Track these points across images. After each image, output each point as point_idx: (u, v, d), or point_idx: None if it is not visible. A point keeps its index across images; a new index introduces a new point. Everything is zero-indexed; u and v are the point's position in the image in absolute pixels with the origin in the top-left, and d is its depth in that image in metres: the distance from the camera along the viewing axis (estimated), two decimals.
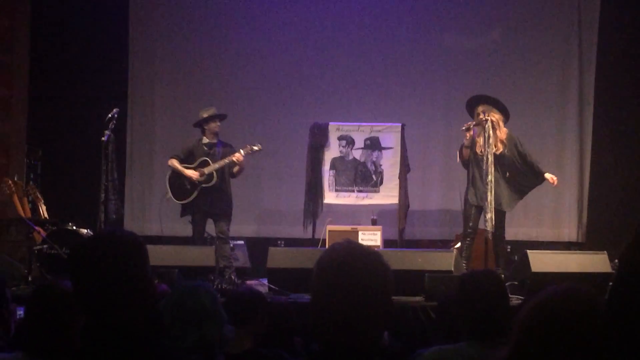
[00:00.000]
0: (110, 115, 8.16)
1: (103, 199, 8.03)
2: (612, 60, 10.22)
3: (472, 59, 10.62)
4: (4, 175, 9.34)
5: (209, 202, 8.70)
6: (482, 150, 8.15)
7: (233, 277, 8.42)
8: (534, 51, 10.48)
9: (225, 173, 8.77)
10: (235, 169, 8.77)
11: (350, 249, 2.05)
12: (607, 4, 10.25)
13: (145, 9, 11.14)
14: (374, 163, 9.63)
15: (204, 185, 8.66)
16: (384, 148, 9.54)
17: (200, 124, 8.86)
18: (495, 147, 8.17)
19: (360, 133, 9.71)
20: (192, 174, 8.68)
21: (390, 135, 9.45)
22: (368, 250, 2.06)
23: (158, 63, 11.11)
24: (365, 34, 10.80)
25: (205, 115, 8.81)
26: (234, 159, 8.60)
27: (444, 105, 10.66)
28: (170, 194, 8.87)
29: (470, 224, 8.28)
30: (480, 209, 8.24)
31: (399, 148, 9.38)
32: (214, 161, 8.67)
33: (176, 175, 8.82)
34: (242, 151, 8.65)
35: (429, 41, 10.72)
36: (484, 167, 8.12)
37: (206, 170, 8.66)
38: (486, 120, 8.11)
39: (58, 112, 10.85)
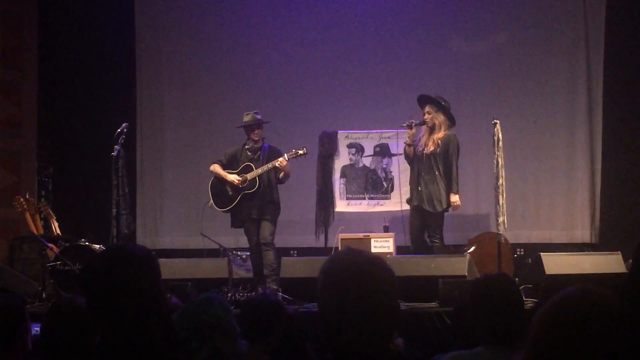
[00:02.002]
0: (119, 130, 8.18)
1: (115, 214, 8.04)
2: (620, 59, 10.18)
3: (479, 62, 10.60)
4: (15, 193, 9.37)
5: (256, 208, 8.47)
6: (421, 150, 8.21)
7: (274, 286, 8.11)
8: (542, 53, 10.46)
9: (271, 179, 8.53)
10: (281, 174, 8.49)
11: (352, 256, 2.05)
12: (613, 3, 10.23)
13: (152, 22, 11.17)
14: (384, 170, 9.62)
15: (246, 191, 8.45)
16: (394, 154, 9.53)
17: (244, 129, 8.70)
18: (427, 146, 8.20)
19: (369, 140, 9.71)
20: (233, 178, 8.49)
21: (399, 142, 9.44)
22: (370, 256, 2.07)
23: (166, 76, 11.14)
24: (371, 40, 10.79)
25: (244, 119, 8.67)
26: (277, 164, 8.37)
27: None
28: (212, 201, 8.67)
29: (411, 227, 8.31)
30: (420, 209, 8.25)
31: None
32: (257, 166, 8.47)
33: (218, 182, 8.64)
34: (286, 155, 8.41)
35: (436, 46, 10.70)
36: (495, 171, 8.10)
37: (249, 175, 8.46)
38: (426, 123, 8.20)
39: (67, 129, 10.88)
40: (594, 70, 10.32)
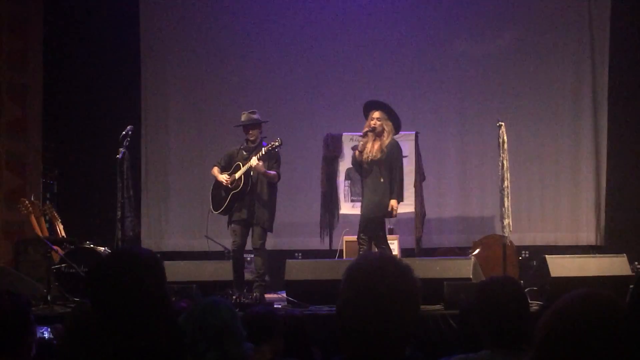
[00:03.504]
0: (124, 133, 8.18)
1: (120, 217, 8.04)
2: (626, 61, 10.18)
3: (483, 64, 10.60)
4: (20, 195, 9.39)
5: (247, 209, 8.31)
6: (365, 157, 8.10)
7: (257, 293, 8.08)
8: (547, 55, 10.46)
9: (262, 179, 8.33)
10: (265, 177, 8.28)
11: (382, 258, 2.04)
12: (618, 8, 10.22)
13: (156, 26, 11.19)
14: None
15: (234, 191, 8.32)
16: None
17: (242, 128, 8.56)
18: (373, 154, 8.10)
19: None
20: (222, 178, 8.39)
21: (404, 144, 9.41)
22: (399, 264, 2.06)
23: (171, 79, 11.16)
24: (376, 43, 10.80)
25: (241, 119, 8.56)
26: (250, 164, 8.20)
27: (457, 112, 10.65)
28: (211, 206, 8.57)
29: (361, 234, 8.18)
30: (362, 216, 8.18)
31: (413, 156, 9.37)
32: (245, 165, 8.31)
33: (216, 185, 8.54)
34: (258, 155, 8.19)
35: (440, 48, 10.71)
36: (501, 174, 8.09)
37: (236, 175, 8.33)
38: (375, 130, 8.08)
39: (73, 131, 10.90)
40: (599, 73, 10.32)
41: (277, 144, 8.19)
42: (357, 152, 8.24)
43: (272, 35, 10.97)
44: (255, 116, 8.54)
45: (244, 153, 8.45)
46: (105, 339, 2.82)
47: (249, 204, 8.29)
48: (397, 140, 8.24)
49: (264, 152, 8.18)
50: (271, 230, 8.45)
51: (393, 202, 8.04)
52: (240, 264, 8.35)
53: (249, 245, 8.50)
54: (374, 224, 8.09)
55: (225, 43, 11.06)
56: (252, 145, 8.44)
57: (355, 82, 10.74)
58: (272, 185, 8.36)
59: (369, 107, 8.31)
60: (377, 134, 8.15)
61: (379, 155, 8.05)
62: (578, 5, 10.46)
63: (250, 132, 8.45)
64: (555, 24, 10.48)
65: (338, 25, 10.88)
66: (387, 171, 8.06)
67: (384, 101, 8.38)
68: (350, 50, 10.83)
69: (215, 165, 8.64)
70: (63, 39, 11.01)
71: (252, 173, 8.26)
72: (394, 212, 8.07)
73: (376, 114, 8.17)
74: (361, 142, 8.24)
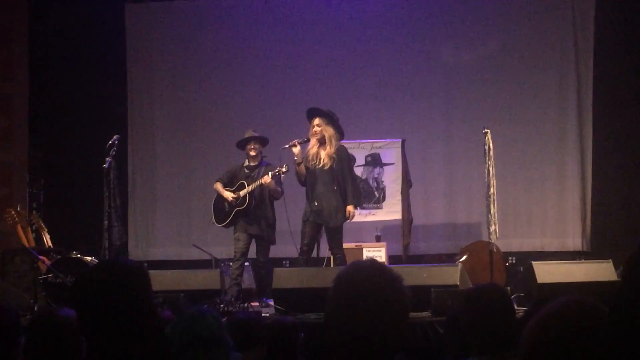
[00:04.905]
0: (110, 142, 8.18)
1: (106, 226, 8.03)
2: (610, 67, 10.23)
3: (470, 71, 10.64)
4: (6, 205, 9.35)
5: (250, 226, 8.67)
6: (314, 165, 8.15)
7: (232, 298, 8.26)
8: (532, 62, 10.50)
9: (265, 196, 8.68)
10: (272, 192, 8.64)
11: (372, 267, 2.05)
12: (601, 12, 10.28)
13: (142, 35, 11.18)
14: (375, 179, 9.64)
15: (238, 208, 8.63)
16: (385, 164, 9.55)
17: (241, 147, 8.87)
18: (323, 161, 8.15)
19: (360, 150, 9.72)
20: (228, 195, 8.67)
21: (391, 151, 9.47)
22: (390, 271, 2.06)
23: (157, 88, 11.15)
24: (362, 50, 10.82)
25: (245, 135, 8.85)
26: (262, 181, 8.49)
27: (443, 119, 10.68)
28: (213, 218, 8.87)
29: (306, 241, 8.25)
30: (316, 225, 8.23)
31: (400, 164, 9.40)
32: (251, 184, 8.62)
33: (219, 199, 8.82)
34: (269, 174, 8.47)
35: (427, 55, 10.74)
36: (487, 181, 8.12)
37: (241, 193, 8.63)
38: (309, 140, 8.16)
39: (59, 141, 10.87)
40: (584, 79, 10.37)
41: (284, 170, 8.43)
42: (295, 166, 8.28)
43: (258, 44, 10.96)
44: (257, 133, 8.86)
45: (246, 171, 8.74)
46: (70, 349, 2.81)
47: (254, 220, 8.64)
48: (384, 147, 8.29)
49: (270, 176, 8.41)
50: (274, 243, 8.84)
51: (350, 207, 8.16)
52: (257, 271, 8.81)
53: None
54: (334, 232, 8.21)
55: (211, 52, 11.06)
56: (253, 164, 8.74)
57: (341, 89, 10.75)
58: (273, 202, 8.73)
59: (309, 115, 8.40)
60: (320, 140, 8.22)
61: (329, 163, 8.13)
62: (562, 12, 10.51)
63: (254, 147, 8.72)
64: (540, 31, 10.53)
65: (325, 34, 10.90)
66: (339, 178, 8.16)
67: (325, 108, 8.44)
68: (335, 58, 10.84)
69: (218, 181, 8.86)
70: (49, 48, 10.99)
71: (256, 191, 8.58)
72: (351, 218, 8.20)
73: (316, 121, 8.26)
74: (295, 155, 8.24)
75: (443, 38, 10.74)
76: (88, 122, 10.65)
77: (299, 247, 8.39)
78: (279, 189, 8.63)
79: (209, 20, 11.08)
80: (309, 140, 8.26)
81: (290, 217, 9.94)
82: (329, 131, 8.20)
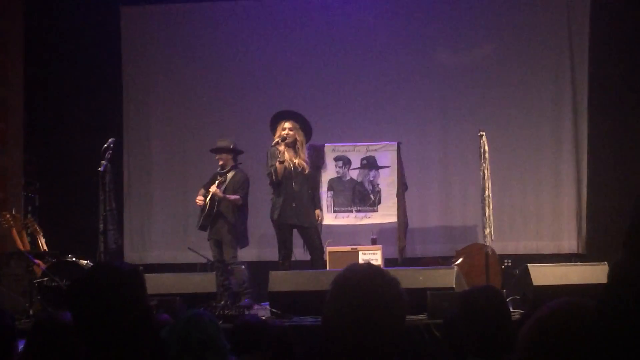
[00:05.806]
0: (106, 145, 8.17)
1: (102, 229, 8.02)
2: (605, 69, 10.26)
3: (465, 74, 10.65)
4: (2, 208, 9.33)
5: (213, 228, 8.90)
6: (289, 167, 8.28)
7: (248, 301, 8.54)
8: (527, 65, 10.52)
9: (226, 202, 8.85)
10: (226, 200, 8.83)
11: (367, 272, 2.05)
12: (597, 14, 10.30)
13: (138, 39, 11.19)
14: (371, 182, 9.63)
15: (203, 213, 8.88)
16: (381, 167, 9.54)
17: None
18: (296, 164, 8.28)
19: (356, 153, 9.72)
20: (197, 199, 8.96)
21: (386, 154, 9.46)
22: (387, 275, 2.06)
23: (152, 92, 11.15)
24: (358, 53, 10.83)
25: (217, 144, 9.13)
26: (210, 191, 8.77)
27: (439, 122, 10.69)
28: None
29: (287, 246, 8.45)
30: (291, 228, 8.39)
31: (395, 166, 9.39)
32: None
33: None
34: (216, 183, 8.80)
35: (423, 58, 10.75)
36: (482, 183, 8.12)
37: (207, 199, 8.86)
38: (285, 140, 8.22)
39: (54, 144, 10.86)
40: (579, 82, 10.39)
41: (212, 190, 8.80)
42: (277, 163, 8.33)
43: (253, 48, 10.96)
44: (224, 144, 9.04)
45: (219, 177, 9.01)
46: (70, 352, 2.81)
47: (216, 224, 8.85)
48: (380, 150, 8.36)
49: (217, 185, 8.75)
50: (242, 246, 9.02)
51: (318, 211, 8.59)
52: (218, 277, 8.68)
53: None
54: (315, 234, 8.46)
55: (208, 56, 11.06)
56: (222, 171, 8.98)
57: (336, 93, 10.77)
58: (238, 206, 8.88)
59: (279, 117, 8.50)
60: (291, 144, 8.30)
61: (307, 169, 8.38)
62: (557, 14, 10.53)
63: (217, 157, 9.04)
64: (535, 34, 10.55)
65: (319, 38, 10.91)
66: (313, 183, 8.53)
67: (296, 111, 8.55)
68: (331, 61, 10.85)
69: (203, 186, 9.10)
70: (44, 52, 10.98)
71: (216, 197, 8.82)
72: (320, 221, 8.61)
73: (287, 124, 8.35)
74: (280, 153, 8.33)
75: (438, 41, 10.75)
76: (83, 126, 10.64)
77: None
78: (233, 196, 8.77)
79: (205, 24, 11.09)
80: (285, 139, 8.37)
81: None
82: (300, 135, 8.40)
